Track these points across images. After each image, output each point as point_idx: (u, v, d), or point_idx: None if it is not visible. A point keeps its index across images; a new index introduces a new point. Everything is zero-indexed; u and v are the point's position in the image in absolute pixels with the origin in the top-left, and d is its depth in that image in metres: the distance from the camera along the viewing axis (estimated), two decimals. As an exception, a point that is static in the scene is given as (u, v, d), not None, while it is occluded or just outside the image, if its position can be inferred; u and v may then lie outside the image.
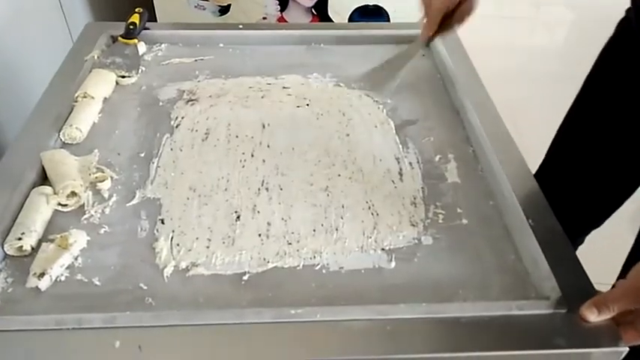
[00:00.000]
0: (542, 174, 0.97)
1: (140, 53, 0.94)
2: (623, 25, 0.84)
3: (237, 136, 0.79)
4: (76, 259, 0.61)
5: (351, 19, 1.57)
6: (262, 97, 0.87)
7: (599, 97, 0.89)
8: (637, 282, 0.54)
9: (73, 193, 0.67)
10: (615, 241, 0.94)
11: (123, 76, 0.89)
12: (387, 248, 0.63)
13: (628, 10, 0.83)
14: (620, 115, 0.85)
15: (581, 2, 2.55)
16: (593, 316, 0.53)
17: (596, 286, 0.58)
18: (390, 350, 0.52)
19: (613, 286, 0.57)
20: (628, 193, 0.93)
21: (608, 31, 0.86)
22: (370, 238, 0.64)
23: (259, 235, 0.64)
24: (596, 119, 0.89)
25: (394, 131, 0.81)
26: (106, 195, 0.69)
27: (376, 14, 1.56)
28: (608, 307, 0.53)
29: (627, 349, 0.53)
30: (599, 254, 0.97)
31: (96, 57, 0.91)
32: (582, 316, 0.54)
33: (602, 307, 0.53)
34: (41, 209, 0.64)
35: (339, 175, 0.73)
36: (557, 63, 2.17)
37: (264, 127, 0.81)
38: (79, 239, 0.62)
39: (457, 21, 0.79)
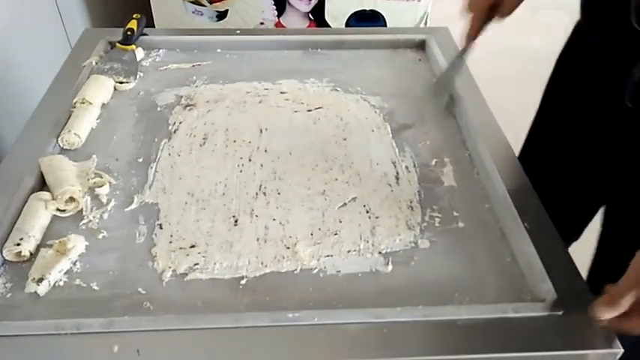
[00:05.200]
0: None
1: (138, 59, 0.95)
2: (577, 30, 0.80)
3: (234, 141, 0.79)
4: (74, 264, 0.61)
5: (347, 24, 1.58)
6: (260, 102, 0.87)
7: (559, 105, 0.84)
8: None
9: (72, 199, 0.67)
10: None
11: (121, 82, 0.89)
12: (384, 252, 0.63)
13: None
14: (580, 123, 0.80)
15: (578, 6, 2.56)
16: (608, 314, 0.52)
17: (591, 289, 0.58)
18: (387, 353, 0.53)
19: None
20: (598, 203, 0.85)
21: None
22: (367, 241, 0.65)
23: (257, 239, 0.65)
24: (557, 128, 0.85)
25: (391, 135, 0.81)
26: (104, 200, 0.69)
27: (373, 19, 1.57)
28: (619, 302, 0.51)
29: (622, 350, 0.53)
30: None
31: (94, 63, 0.92)
32: (595, 317, 0.52)
33: (613, 304, 0.51)
34: (40, 215, 0.65)
35: (336, 180, 0.73)
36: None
37: (261, 131, 0.81)
38: (77, 244, 0.62)
39: (502, 14, 0.75)
